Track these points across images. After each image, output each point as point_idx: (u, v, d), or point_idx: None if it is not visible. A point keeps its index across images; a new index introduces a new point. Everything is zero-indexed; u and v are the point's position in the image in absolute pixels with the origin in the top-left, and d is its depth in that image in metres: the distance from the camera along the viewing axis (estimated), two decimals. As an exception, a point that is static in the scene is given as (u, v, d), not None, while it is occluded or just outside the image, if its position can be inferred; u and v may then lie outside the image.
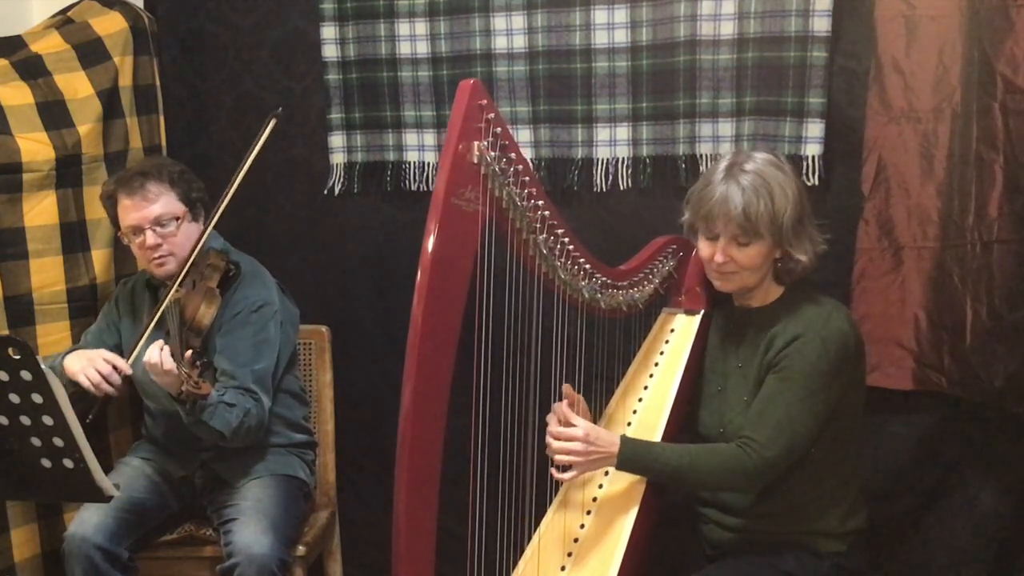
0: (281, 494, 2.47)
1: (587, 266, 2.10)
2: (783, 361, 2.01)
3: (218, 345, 2.46)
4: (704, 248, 2.10)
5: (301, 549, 2.52)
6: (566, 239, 2.03)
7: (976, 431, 2.43)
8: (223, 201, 2.44)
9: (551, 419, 2.05)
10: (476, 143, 1.82)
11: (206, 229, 2.47)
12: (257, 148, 2.45)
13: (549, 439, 2.02)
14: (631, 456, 2.00)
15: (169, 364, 2.20)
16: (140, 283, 2.63)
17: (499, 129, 1.84)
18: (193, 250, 2.44)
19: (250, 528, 2.33)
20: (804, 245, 2.05)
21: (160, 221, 2.44)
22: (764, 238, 2.02)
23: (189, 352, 2.22)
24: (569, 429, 2.00)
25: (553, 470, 2.03)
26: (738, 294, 2.16)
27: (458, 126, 1.80)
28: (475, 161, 1.82)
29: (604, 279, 2.14)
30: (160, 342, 2.25)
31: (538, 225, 1.97)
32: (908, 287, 2.39)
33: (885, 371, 2.43)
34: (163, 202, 2.45)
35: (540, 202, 1.96)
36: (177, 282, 2.39)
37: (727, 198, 2.01)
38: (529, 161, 2.62)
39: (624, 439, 2.01)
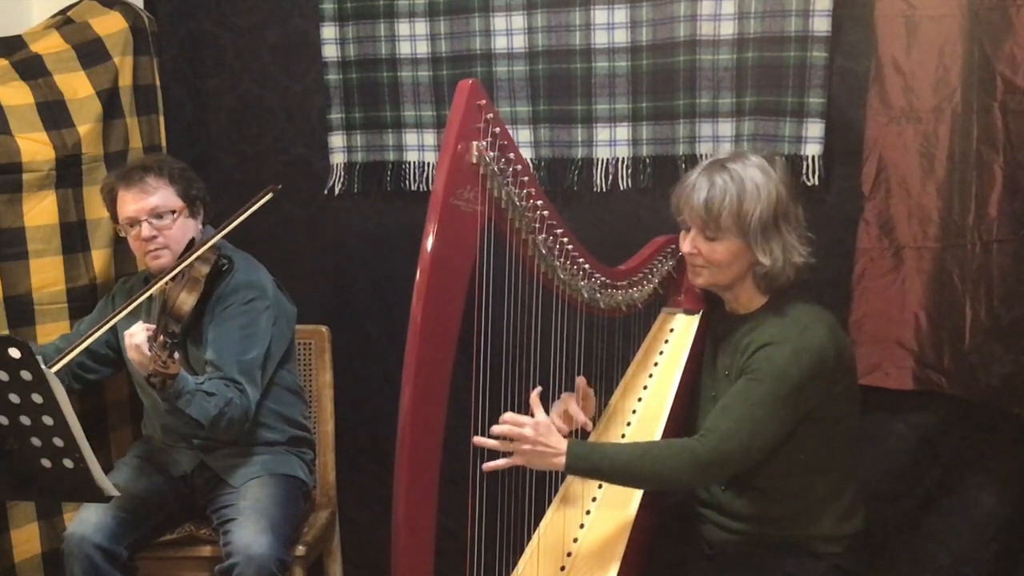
0: (280, 494, 2.47)
1: (586, 266, 2.10)
2: (753, 364, 1.99)
3: (209, 338, 2.46)
4: (681, 238, 2.12)
5: (301, 549, 2.52)
6: (565, 239, 2.03)
7: (976, 431, 2.43)
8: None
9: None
10: (475, 143, 1.81)
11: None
12: (245, 215, 2.41)
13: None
14: (580, 453, 1.92)
15: (140, 339, 2.21)
16: (139, 281, 2.64)
17: (498, 129, 1.83)
18: (188, 245, 2.46)
19: (248, 528, 2.33)
20: (772, 249, 2.01)
21: (156, 213, 2.45)
22: (730, 235, 2.01)
23: (162, 336, 2.21)
24: (522, 417, 1.94)
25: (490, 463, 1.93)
26: (728, 300, 2.15)
27: (456, 126, 1.80)
28: (474, 161, 1.82)
29: (603, 279, 2.14)
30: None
31: (537, 225, 1.97)
32: (908, 287, 2.39)
33: (885, 371, 2.43)
34: (161, 195, 2.47)
35: (539, 202, 1.96)
36: (168, 271, 2.38)
37: (693, 188, 2.03)
38: (529, 161, 2.63)
39: (571, 442, 1.94)
